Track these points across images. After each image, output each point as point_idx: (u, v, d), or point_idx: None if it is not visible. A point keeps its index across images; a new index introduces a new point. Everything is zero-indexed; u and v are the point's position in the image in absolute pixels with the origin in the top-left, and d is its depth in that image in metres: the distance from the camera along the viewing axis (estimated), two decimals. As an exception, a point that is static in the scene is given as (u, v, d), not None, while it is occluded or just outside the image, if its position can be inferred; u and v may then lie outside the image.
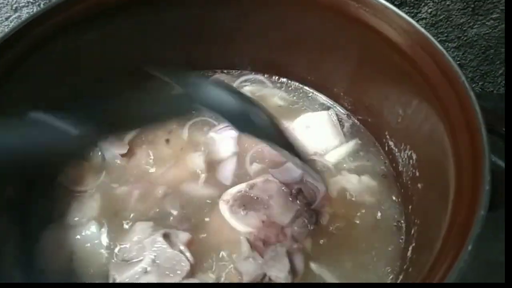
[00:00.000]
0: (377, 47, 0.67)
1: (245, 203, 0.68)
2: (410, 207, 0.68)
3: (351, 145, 0.79)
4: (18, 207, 0.68)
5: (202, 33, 0.82)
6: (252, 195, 0.69)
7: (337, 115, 0.83)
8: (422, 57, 0.61)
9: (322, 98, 0.87)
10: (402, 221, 0.70)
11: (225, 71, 0.91)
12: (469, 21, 0.99)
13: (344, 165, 0.76)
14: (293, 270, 0.62)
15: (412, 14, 0.98)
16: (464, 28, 1.01)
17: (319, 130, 0.79)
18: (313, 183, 0.70)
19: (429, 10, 0.97)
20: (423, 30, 0.61)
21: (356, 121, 0.83)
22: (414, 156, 0.68)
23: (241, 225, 0.67)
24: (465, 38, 1.03)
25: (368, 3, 0.66)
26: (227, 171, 0.74)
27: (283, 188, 0.69)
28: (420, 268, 0.51)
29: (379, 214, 0.70)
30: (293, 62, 0.85)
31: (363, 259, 0.66)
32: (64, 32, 0.70)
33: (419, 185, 0.66)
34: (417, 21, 0.98)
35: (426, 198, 0.63)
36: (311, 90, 0.87)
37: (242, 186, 0.70)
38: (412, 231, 0.65)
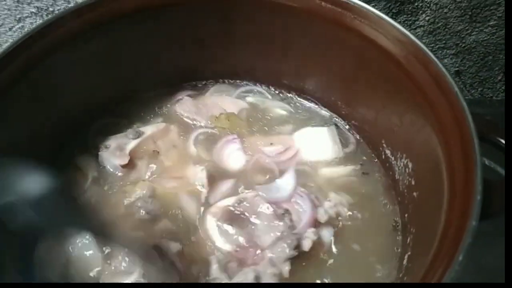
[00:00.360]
0: (373, 58, 0.68)
1: (232, 219, 0.67)
2: (406, 215, 0.69)
3: (349, 168, 0.77)
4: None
5: (199, 42, 0.83)
6: (239, 211, 0.68)
7: (337, 127, 0.83)
8: (416, 67, 0.62)
9: (319, 108, 0.87)
10: (399, 230, 0.70)
11: (226, 81, 0.92)
12: (467, 28, 1.00)
13: (338, 180, 0.75)
14: None
15: (410, 22, 0.99)
16: (462, 35, 1.01)
17: (318, 145, 0.78)
18: (302, 204, 0.67)
19: (427, 18, 0.98)
20: (417, 40, 0.62)
21: (353, 129, 0.84)
22: (410, 165, 0.69)
23: (223, 242, 0.65)
24: (463, 45, 1.03)
25: (364, 14, 0.67)
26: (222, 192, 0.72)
27: (270, 206, 0.67)
28: (414, 276, 0.52)
29: (374, 221, 0.71)
30: (289, 72, 0.86)
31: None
32: (67, 43, 0.71)
33: (414, 194, 0.66)
34: (415, 29, 1.01)
35: (421, 207, 0.64)
36: (308, 100, 0.88)
37: (231, 200, 0.69)
38: (408, 240, 0.65)
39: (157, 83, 0.88)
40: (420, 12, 0.97)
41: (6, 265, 0.61)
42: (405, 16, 0.98)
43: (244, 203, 0.68)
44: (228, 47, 0.84)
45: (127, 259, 0.62)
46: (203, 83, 0.91)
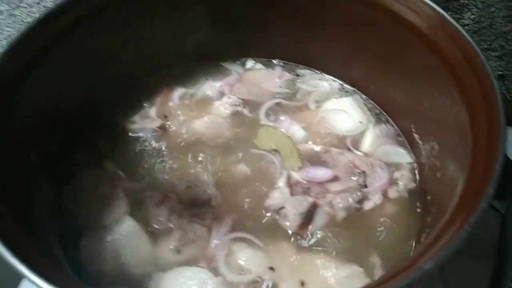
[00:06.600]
0: (400, 34, 0.68)
1: (311, 159, 0.74)
2: (428, 197, 0.70)
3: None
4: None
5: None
6: (322, 157, 0.75)
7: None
8: (444, 41, 0.64)
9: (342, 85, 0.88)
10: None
11: (282, 63, 0.92)
12: (514, 29, 0.97)
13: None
14: (307, 219, 0.66)
15: (455, 19, 0.98)
16: (509, 37, 0.99)
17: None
18: (380, 174, 0.73)
19: (472, 17, 0.97)
20: (443, 12, 0.64)
21: (383, 112, 0.84)
22: (436, 147, 0.70)
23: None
24: (509, 47, 1.01)
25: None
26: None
27: (351, 164, 0.74)
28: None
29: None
30: (316, 48, 0.86)
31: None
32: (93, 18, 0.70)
33: (438, 175, 0.67)
34: (459, 27, 0.99)
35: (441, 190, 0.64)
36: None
37: (318, 147, 0.77)
38: (428, 219, 0.66)
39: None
40: (466, 10, 0.96)
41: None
42: (450, 13, 0.97)
43: (328, 154, 0.76)
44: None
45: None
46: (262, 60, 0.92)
